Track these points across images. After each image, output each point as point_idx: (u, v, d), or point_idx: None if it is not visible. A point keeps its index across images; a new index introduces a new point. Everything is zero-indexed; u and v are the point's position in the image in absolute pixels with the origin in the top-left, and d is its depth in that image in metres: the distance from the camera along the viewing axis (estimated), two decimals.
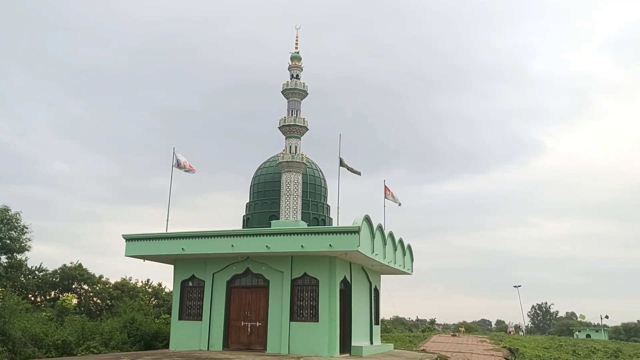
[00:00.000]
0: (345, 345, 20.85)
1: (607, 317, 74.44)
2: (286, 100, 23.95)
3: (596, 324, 74.70)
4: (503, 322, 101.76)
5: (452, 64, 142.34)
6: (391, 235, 23.29)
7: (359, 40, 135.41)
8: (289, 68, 24.37)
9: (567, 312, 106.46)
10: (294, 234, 19.79)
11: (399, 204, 25.79)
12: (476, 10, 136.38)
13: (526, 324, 75.71)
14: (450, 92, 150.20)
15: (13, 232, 33.56)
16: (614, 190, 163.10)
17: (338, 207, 22.68)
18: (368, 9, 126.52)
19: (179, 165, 23.40)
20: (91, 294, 38.17)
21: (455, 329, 63.89)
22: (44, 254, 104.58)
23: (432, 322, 66.16)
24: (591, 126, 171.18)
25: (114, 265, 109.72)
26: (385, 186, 25.10)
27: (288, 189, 22.73)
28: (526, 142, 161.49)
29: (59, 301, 34.01)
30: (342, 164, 23.50)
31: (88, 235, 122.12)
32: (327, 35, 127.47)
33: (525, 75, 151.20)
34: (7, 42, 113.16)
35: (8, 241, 33.37)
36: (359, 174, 24.28)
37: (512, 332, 56.39)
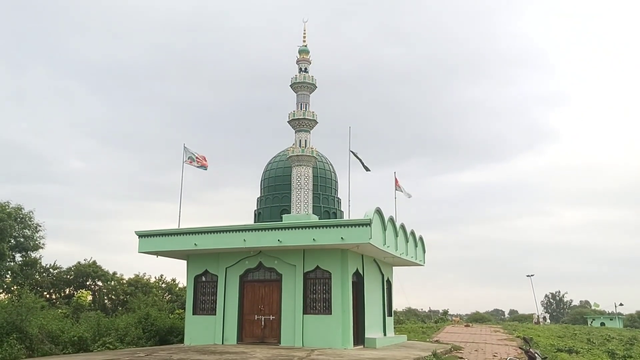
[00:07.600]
0: (359, 337, 20.89)
1: (621, 304, 74.24)
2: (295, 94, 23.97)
3: (610, 312, 74.35)
4: (516, 311, 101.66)
5: (472, 50, 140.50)
6: (403, 227, 23.25)
7: (379, 29, 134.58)
8: (297, 62, 24.38)
9: (581, 301, 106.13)
10: (305, 227, 19.85)
11: (409, 196, 25.71)
12: None
13: (541, 314, 75.41)
14: (469, 79, 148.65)
15: (27, 231, 33.93)
16: (631, 176, 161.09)
17: (349, 200, 22.74)
18: None
19: (191, 161, 23.48)
20: (105, 291, 38.48)
21: (468, 319, 63.79)
22: (59, 251, 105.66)
23: (445, 312, 65.98)
24: (611, 111, 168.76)
25: (128, 262, 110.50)
26: (395, 178, 25.05)
27: (299, 183, 22.75)
28: (544, 129, 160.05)
29: (74, 298, 34.33)
30: (355, 155, 23.48)
31: (103, 233, 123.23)
32: (346, 24, 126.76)
33: (545, 60, 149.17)
34: (25, 41, 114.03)
35: (22, 239, 33.74)
36: (368, 169, 24.20)
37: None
